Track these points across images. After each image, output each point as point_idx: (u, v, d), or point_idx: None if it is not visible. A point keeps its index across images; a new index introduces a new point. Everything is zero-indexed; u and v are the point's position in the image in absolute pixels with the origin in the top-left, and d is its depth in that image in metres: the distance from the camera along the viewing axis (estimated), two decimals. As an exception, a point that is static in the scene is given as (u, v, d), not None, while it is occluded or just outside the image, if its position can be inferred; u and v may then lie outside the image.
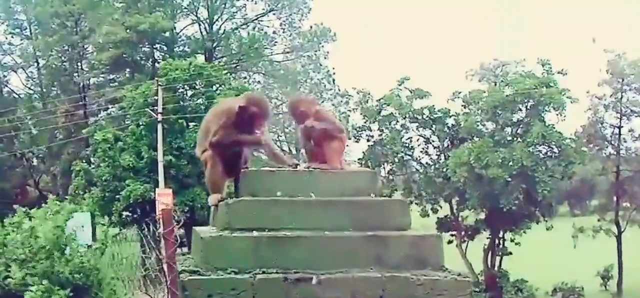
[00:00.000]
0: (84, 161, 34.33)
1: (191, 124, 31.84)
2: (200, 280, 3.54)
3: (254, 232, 3.70)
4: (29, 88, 45.22)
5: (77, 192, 31.94)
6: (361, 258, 3.73)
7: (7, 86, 45.08)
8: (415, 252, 3.84)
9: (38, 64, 43.71)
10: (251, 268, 3.59)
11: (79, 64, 43.08)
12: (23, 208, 7.16)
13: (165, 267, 4.44)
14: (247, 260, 3.61)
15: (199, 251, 3.78)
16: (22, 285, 5.44)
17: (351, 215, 3.84)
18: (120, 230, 35.24)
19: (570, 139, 32.19)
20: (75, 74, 42.56)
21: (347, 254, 3.72)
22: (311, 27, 45.74)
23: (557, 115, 30.73)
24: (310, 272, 3.61)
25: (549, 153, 32.03)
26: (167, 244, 4.80)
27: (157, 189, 27.05)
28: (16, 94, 45.02)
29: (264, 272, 3.59)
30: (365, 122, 34.06)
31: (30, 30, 43.87)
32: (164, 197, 26.03)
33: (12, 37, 44.27)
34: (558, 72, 31.83)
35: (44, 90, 43.29)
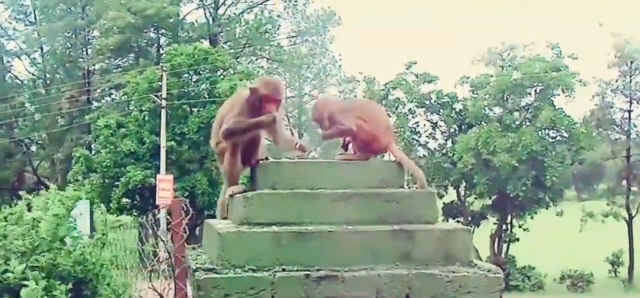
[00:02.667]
0: (84, 147, 34.32)
1: (194, 110, 31.74)
2: (216, 279, 3.30)
3: (274, 226, 3.46)
4: (33, 74, 45.21)
5: (76, 178, 31.92)
6: (387, 254, 3.50)
7: (10, 72, 45.07)
8: (443, 246, 3.61)
9: (42, 49, 43.62)
10: (271, 266, 3.36)
11: (83, 49, 42.99)
12: (26, 195, 6.92)
13: (172, 260, 4.21)
14: (267, 256, 3.38)
15: (214, 247, 3.55)
16: (22, 279, 5.20)
17: (377, 209, 3.61)
18: (117, 216, 35.34)
19: (579, 124, 31.96)
20: (80, 60, 42.47)
21: (372, 250, 3.49)
22: (316, 11, 45.54)
23: (567, 97, 30.43)
24: (333, 269, 3.38)
25: (558, 138, 31.78)
26: (176, 237, 4.58)
27: (157, 175, 27.04)
28: (19, 80, 45.00)
29: (284, 270, 3.35)
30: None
31: (35, 16, 43.77)
32: (164, 183, 26.02)
33: (16, 22, 44.28)
34: (568, 56, 31.54)
35: (48, 75, 43.25)
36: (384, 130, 3.86)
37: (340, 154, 3.93)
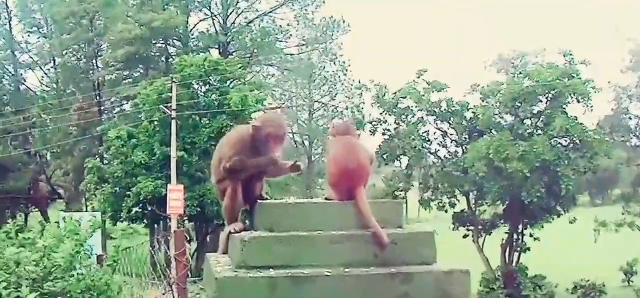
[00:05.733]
0: (96, 158, 34.57)
1: (204, 120, 31.88)
2: (213, 325, 3.31)
3: (271, 270, 3.46)
4: (45, 86, 45.63)
5: (88, 188, 32.19)
6: (385, 297, 3.49)
7: (23, 84, 45.51)
8: (441, 288, 3.59)
9: (54, 62, 44.00)
10: (268, 311, 3.36)
11: (93, 61, 43.28)
12: (39, 220, 7.01)
13: (175, 291, 4.22)
14: (263, 302, 3.38)
15: (212, 289, 3.55)
16: (31, 306, 5.25)
17: (374, 251, 3.59)
18: (129, 224, 35.59)
19: (593, 130, 31.70)
20: (91, 72, 42.78)
21: (370, 293, 3.47)
22: (324, 18, 45.53)
23: (584, 106, 30.14)
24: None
25: (570, 145, 31.53)
26: (179, 266, 4.57)
27: (168, 185, 27.17)
28: (32, 91, 45.44)
29: (281, 315, 3.35)
30: (381, 115, 33.74)
31: (47, 29, 44.16)
32: (175, 193, 26.13)
33: (28, 35, 44.73)
34: (581, 63, 31.30)
35: (60, 87, 43.57)
36: (347, 177, 3.70)
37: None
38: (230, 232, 3.92)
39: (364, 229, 3.63)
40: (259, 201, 3.85)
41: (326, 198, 3.89)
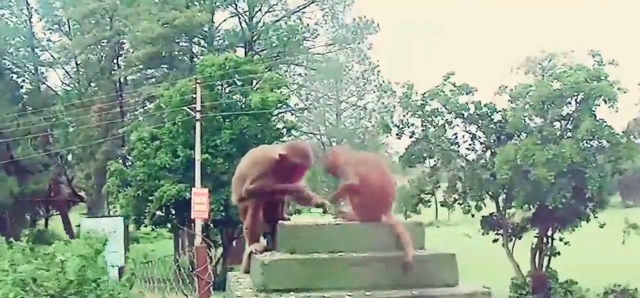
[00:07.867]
0: (119, 160, 34.48)
1: (227, 121, 31.76)
2: (233, 349, 3.29)
3: (292, 294, 3.43)
4: (67, 85, 45.35)
5: (110, 192, 32.10)
6: (407, 320, 3.44)
7: (45, 83, 45.29)
8: (464, 311, 3.53)
9: (76, 60, 43.75)
10: (289, 335, 3.34)
11: (115, 60, 42.98)
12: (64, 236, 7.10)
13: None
14: (285, 325, 3.35)
15: (232, 313, 3.54)
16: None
17: (396, 273, 3.54)
18: (153, 229, 35.56)
19: (622, 133, 31.13)
20: (113, 71, 42.48)
21: (392, 317, 3.42)
22: (354, 19, 45.27)
23: (609, 107, 29.58)
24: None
25: (598, 148, 31.04)
26: (201, 283, 4.54)
27: (193, 189, 27.04)
28: (54, 90, 45.25)
29: (302, 339, 3.32)
30: (407, 117, 33.46)
31: (69, 27, 43.97)
32: (200, 197, 26.09)
33: (50, 33, 44.57)
34: (609, 63, 30.77)
35: (82, 87, 43.29)
36: (378, 199, 3.68)
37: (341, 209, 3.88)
38: (251, 252, 3.90)
39: (387, 250, 3.59)
40: (280, 222, 3.82)
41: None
